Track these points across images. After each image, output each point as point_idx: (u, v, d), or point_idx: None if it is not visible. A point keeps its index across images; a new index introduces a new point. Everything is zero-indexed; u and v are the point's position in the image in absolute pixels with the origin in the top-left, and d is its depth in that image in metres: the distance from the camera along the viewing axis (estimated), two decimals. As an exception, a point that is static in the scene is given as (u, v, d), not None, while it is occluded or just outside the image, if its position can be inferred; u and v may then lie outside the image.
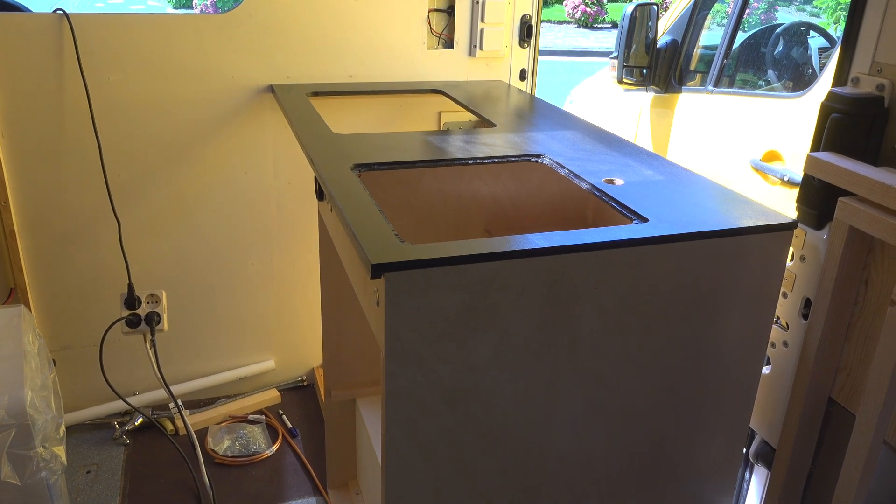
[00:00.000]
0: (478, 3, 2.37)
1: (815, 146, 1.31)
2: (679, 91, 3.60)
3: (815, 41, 3.63)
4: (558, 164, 1.60)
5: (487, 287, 1.16)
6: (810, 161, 1.25)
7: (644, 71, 3.67)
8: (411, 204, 1.85)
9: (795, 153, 2.75)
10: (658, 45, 3.64)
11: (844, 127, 1.24)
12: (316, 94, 2.21)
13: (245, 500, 2.20)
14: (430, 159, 1.58)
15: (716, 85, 3.42)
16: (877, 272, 1.22)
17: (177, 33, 2.16)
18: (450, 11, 2.41)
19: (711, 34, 3.72)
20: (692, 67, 3.71)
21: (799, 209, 1.37)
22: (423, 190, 1.85)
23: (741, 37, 3.50)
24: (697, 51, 3.71)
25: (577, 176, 1.53)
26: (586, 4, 16.01)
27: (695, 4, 3.61)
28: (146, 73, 2.17)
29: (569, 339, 1.24)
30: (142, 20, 2.13)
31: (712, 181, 1.51)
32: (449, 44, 2.44)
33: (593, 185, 1.47)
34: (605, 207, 1.98)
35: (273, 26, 2.23)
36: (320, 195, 1.70)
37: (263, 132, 2.34)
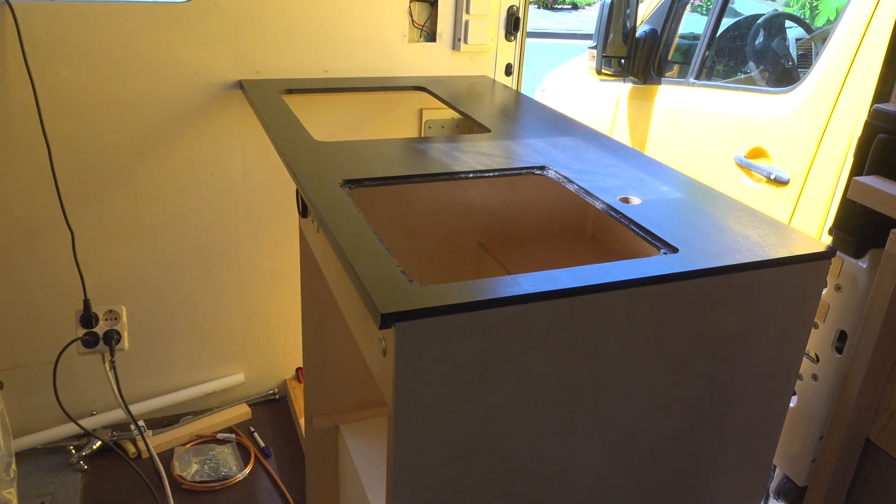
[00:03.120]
0: (462, -7, 2.22)
1: (858, 168, 1.20)
2: (658, 83, 3.50)
3: (794, 31, 3.57)
4: (566, 178, 1.47)
5: (508, 332, 1.02)
6: (855, 186, 1.14)
7: (622, 61, 3.57)
8: (402, 216, 1.70)
9: (782, 151, 2.68)
10: (637, 35, 3.53)
11: (891, 148, 1.13)
12: (289, 91, 2.04)
13: (217, 531, 2.04)
14: (427, 174, 1.43)
15: (698, 77, 3.33)
16: (928, 309, 1.12)
17: (134, 23, 1.95)
18: (433, 2, 2.24)
19: (692, 23, 3.63)
20: (672, 58, 3.61)
21: (836, 235, 1.27)
22: (414, 202, 1.70)
23: (724, 26, 3.41)
24: (677, 41, 3.61)
25: (588, 193, 1.40)
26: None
27: (675, -9, 3.50)
28: (101, 68, 1.96)
29: (591, 381, 1.12)
30: (94, 9, 1.91)
31: (735, 200, 1.40)
32: (431, 36, 2.28)
33: (609, 206, 1.34)
34: (607, 219, 1.86)
35: (241, 16, 2.04)
36: (304, 212, 1.54)
37: (231, 132, 2.15)
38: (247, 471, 2.24)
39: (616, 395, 1.16)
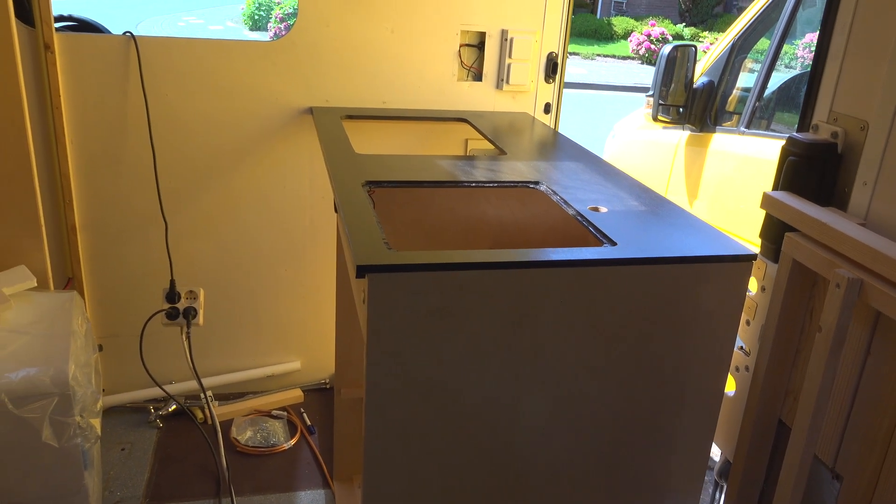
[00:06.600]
0: (506, 40, 2.55)
1: (775, 186, 1.42)
2: (713, 131, 3.70)
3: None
4: (553, 191, 1.75)
5: (459, 293, 1.31)
6: (765, 199, 1.36)
7: (681, 110, 3.79)
8: (422, 222, 2.01)
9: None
10: (695, 86, 3.75)
11: (798, 169, 1.35)
12: (350, 117, 2.41)
13: (260, 487, 2.38)
14: (433, 180, 1.75)
15: (748, 126, 3.51)
16: (820, 303, 1.32)
17: (229, 57, 2.40)
18: (480, 47, 2.59)
19: (749, 76, 3.81)
20: (729, 108, 3.80)
21: (761, 243, 1.48)
22: (434, 209, 2.01)
23: (776, 80, 3.58)
24: (736, 93, 3.81)
25: (566, 203, 1.67)
26: (651, 41, 16.06)
27: (732, 47, 3.71)
28: (199, 92, 2.41)
29: (532, 347, 1.38)
30: (198, 44, 2.37)
31: (691, 213, 1.63)
32: (478, 76, 2.62)
33: (578, 212, 1.61)
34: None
35: (315, 54, 2.45)
36: (337, 208, 1.89)
37: (302, 149, 2.56)
38: (292, 442, 2.58)
39: (556, 361, 1.41)
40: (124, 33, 2.31)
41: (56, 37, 2.22)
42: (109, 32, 3.14)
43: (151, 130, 2.37)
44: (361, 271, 1.26)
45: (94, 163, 2.41)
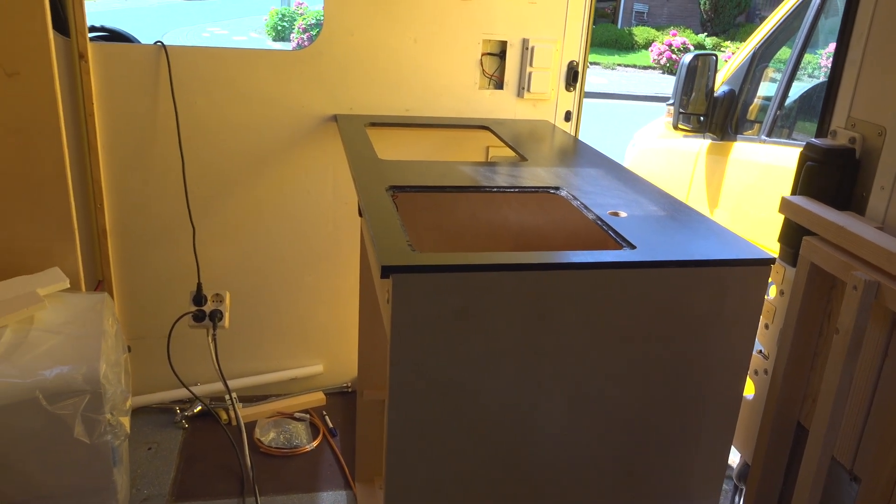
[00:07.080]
0: (527, 48, 2.59)
1: (794, 191, 1.44)
2: (734, 139, 3.70)
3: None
4: (573, 196, 1.77)
5: (481, 294, 1.34)
6: (783, 203, 1.38)
7: (701, 118, 3.80)
8: (444, 226, 2.05)
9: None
10: (716, 94, 3.76)
11: (817, 174, 1.37)
12: (373, 124, 2.46)
13: (283, 487, 2.41)
14: (455, 185, 1.79)
15: (769, 135, 3.51)
16: (837, 306, 1.33)
17: (257, 66, 2.46)
18: (501, 55, 2.63)
19: (771, 85, 3.81)
20: (750, 117, 3.80)
21: (780, 248, 1.50)
22: (456, 214, 2.05)
23: (797, 89, 3.58)
24: (758, 101, 3.81)
25: (586, 207, 1.70)
26: (672, 51, 16.04)
27: (753, 56, 3.72)
28: (228, 100, 2.47)
29: (552, 347, 1.40)
30: (227, 54, 2.44)
31: (710, 219, 1.65)
32: (499, 85, 2.66)
33: (598, 216, 1.64)
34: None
35: (340, 63, 2.50)
36: (361, 212, 1.93)
37: (326, 156, 2.61)
38: (314, 444, 2.62)
39: (574, 363, 1.43)
40: (155, 43, 2.37)
41: (90, 46, 2.29)
42: (140, 42, 3.22)
43: (181, 137, 2.44)
44: (386, 272, 1.30)
45: (124, 168, 2.47)
